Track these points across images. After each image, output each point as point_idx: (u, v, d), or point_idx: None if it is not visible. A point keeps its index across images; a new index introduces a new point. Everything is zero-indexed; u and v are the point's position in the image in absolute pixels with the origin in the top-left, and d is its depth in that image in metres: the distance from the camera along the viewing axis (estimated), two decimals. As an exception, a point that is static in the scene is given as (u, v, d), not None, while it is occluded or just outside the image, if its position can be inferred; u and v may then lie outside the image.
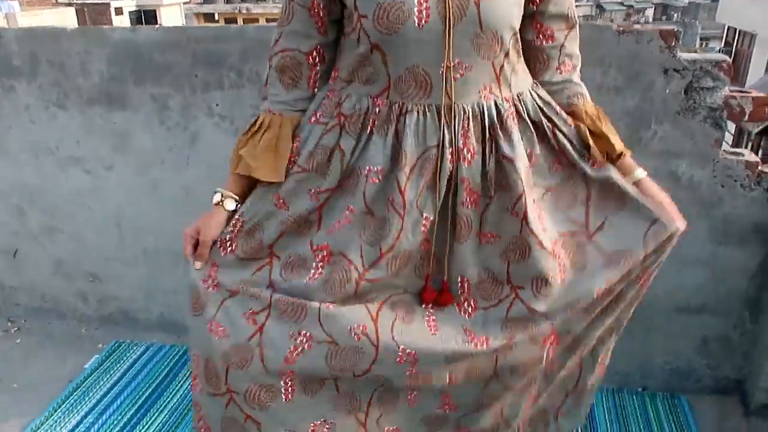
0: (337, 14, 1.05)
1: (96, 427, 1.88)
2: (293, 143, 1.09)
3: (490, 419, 1.21)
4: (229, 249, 1.11)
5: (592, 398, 1.35)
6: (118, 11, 23.84)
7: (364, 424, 1.15)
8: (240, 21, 23.68)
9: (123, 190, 2.10)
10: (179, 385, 2.05)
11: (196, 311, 1.12)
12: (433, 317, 1.11)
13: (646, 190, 1.14)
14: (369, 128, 1.05)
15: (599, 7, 33.81)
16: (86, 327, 2.38)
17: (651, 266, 1.15)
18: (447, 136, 1.02)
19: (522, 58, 1.10)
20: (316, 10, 1.04)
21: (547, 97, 1.12)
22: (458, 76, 1.00)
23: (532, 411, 1.28)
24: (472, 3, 0.96)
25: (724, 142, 1.63)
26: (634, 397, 1.98)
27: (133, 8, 24.93)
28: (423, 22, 0.96)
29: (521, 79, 1.10)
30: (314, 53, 1.08)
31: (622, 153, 1.14)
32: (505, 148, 1.06)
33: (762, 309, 1.80)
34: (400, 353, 1.06)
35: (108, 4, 23.23)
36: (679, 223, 1.12)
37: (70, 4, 22.48)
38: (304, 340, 1.06)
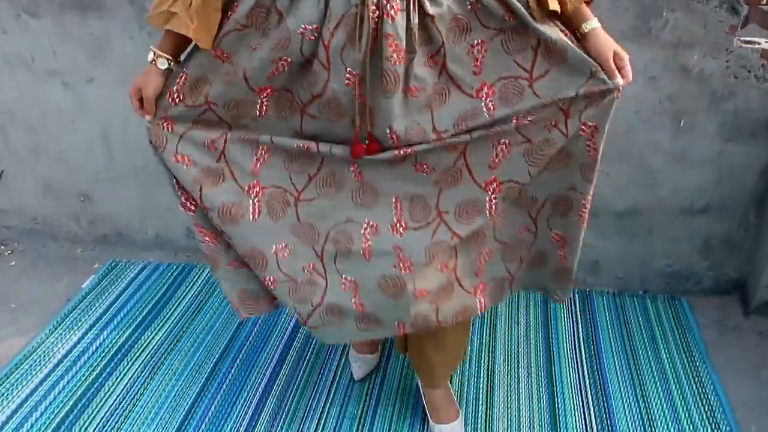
0: None
1: (97, 343, 1.88)
2: (232, 3, 1.09)
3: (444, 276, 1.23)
4: (178, 100, 1.16)
5: (559, 278, 1.31)
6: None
7: (321, 256, 1.21)
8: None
9: (106, 104, 2.01)
10: (178, 301, 2.04)
11: (158, 148, 1.19)
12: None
13: (595, 44, 1.09)
14: None
15: None
16: (81, 248, 2.35)
17: (586, 118, 1.10)
18: None
19: None
20: None
21: None
22: None
23: (485, 278, 1.27)
24: None
25: (738, 29, 1.54)
26: (635, 300, 1.98)
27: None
28: None
29: None
30: None
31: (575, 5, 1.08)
32: (428, 5, 1.03)
33: (768, 206, 1.77)
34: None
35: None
36: (620, 80, 1.08)
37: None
38: (263, 152, 1.19)
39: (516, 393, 1.66)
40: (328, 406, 1.65)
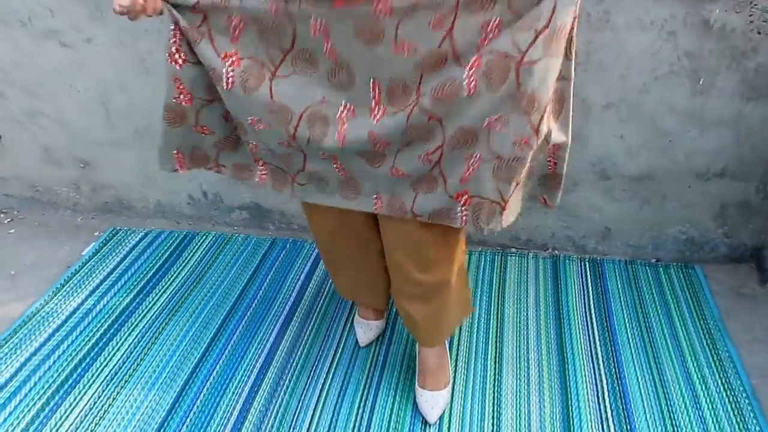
0: None
1: (97, 309, 1.85)
2: None
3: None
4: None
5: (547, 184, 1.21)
6: None
7: (294, 135, 1.16)
8: None
9: (106, 65, 1.95)
10: (180, 269, 2.01)
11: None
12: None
13: None
14: None
15: None
16: (82, 216, 2.31)
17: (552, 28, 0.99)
18: None
19: None
20: None
21: None
22: None
23: (471, 190, 1.17)
24: None
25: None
26: (647, 268, 1.93)
27: None
28: None
29: None
30: None
31: None
32: None
33: (788, 170, 1.71)
34: None
35: None
36: None
37: None
38: (237, 21, 1.12)
39: (526, 361, 1.62)
40: (332, 372, 1.61)
